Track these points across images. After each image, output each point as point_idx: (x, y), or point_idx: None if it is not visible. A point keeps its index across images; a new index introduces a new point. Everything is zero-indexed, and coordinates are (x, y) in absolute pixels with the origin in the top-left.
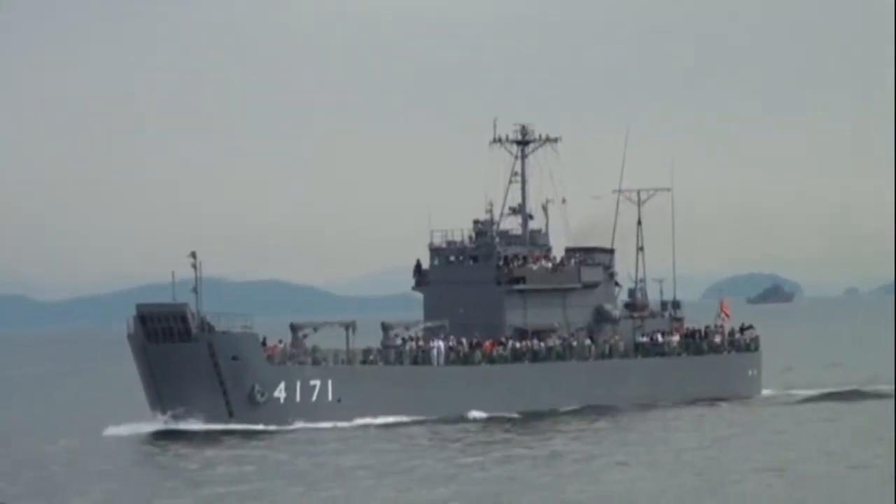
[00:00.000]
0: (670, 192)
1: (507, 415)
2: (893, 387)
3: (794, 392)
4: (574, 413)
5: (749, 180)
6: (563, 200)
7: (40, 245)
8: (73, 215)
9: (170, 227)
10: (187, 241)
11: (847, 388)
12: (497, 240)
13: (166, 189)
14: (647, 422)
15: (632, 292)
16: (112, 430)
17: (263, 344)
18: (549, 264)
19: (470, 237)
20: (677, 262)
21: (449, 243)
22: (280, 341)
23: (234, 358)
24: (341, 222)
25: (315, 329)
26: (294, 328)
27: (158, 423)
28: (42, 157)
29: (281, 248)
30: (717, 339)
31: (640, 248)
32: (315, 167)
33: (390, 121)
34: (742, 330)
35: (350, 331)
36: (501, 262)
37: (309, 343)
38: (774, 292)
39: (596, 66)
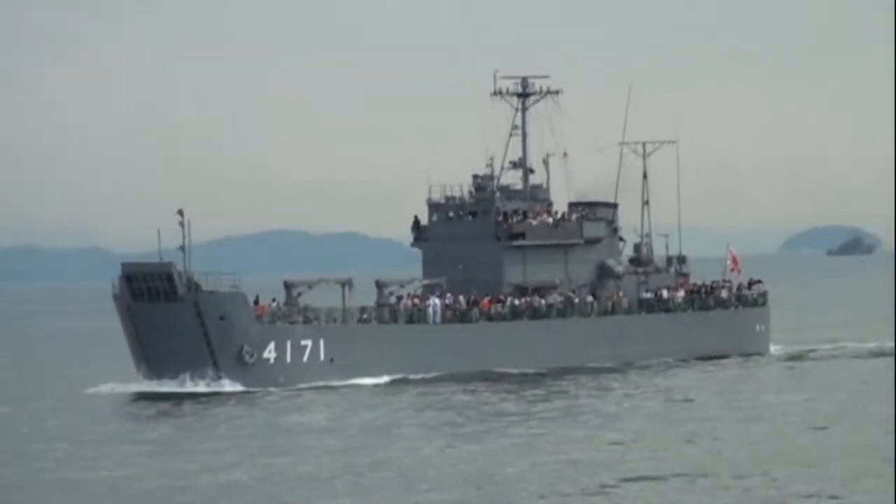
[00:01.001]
0: (676, 144)
1: (507, 372)
2: (894, 345)
3: (802, 348)
4: (577, 370)
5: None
6: (565, 154)
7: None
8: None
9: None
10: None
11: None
12: (497, 195)
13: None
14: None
15: (637, 247)
16: (94, 389)
17: (256, 303)
18: (550, 219)
19: (470, 192)
20: (708, 215)
21: (448, 199)
22: (274, 300)
23: (222, 318)
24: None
25: (310, 287)
26: (288, 286)
27: (143, 384)
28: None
29: (347, 202)
30: (724, 294)
31: (646, 202)
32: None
33: (389, 73)
34: (750, 285)
35: (347, 288)
36: (501, 218)
37: (305, 302)
38: (855, 245)
39: (599, 17)
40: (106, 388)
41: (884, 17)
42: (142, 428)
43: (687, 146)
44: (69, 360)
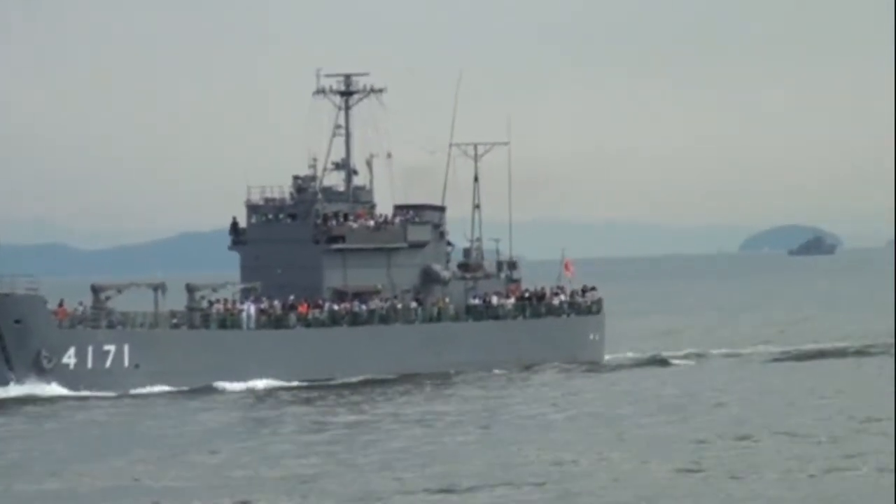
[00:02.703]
0: (508, 146)
1: (323, 382)
2: (894, 343)
3: (632, 356)
4: (397, 380)
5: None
6: (389, 155)
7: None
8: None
9: None
10: None
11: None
12: (319, 196)
13: None
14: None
15: (467, 252)
16: None
17: (61, 306)
18: (373, 222)
19: (291, 194)
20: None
21: (267, 200)
22: (80, 304)
23: (17, 321)
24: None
25: (120, 291)
26: (96, 290)
27: None
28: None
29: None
30: (556, 301)
31: (477, 206)
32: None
33: (203, 70)
34: (584, 291)
35: (159, 293)
36: (320, 220)
37: (115, 307)
38: (816, 245)
39: (425, 15)
40: None
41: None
42: None
43: (518, 147)
44: None
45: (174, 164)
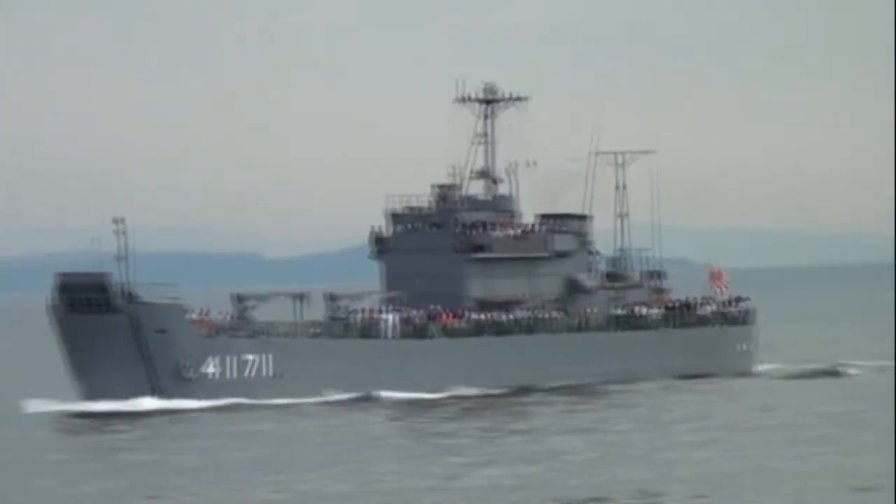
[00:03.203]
0: (654, 154)
1: (465, 393)
2: (894, 361)
3: (792, 368)
4: (541, 390)
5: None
6: (533, 163)
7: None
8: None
9: None
10: None
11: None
12: (461, 205)
13: None
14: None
15: (613, 262)
16: (33, 406)
17: (204, 316)
18: (515, 231)
19: (433, 203)
20: None
21: (409, 209)
22: (220, 312)
23: (159, 331)
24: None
25: (262, 300)
26: (238, 299)
27: (77, 402)
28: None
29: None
30: (705, 311)
31: (623, 215)
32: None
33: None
34: (735, 301)
35: (301, 302)
36: (461, 229)
37: (259, 316)
38: None
39: (568, 23)
40: (39, 404)
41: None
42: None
43: (665, 156)
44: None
45: (312, 175)
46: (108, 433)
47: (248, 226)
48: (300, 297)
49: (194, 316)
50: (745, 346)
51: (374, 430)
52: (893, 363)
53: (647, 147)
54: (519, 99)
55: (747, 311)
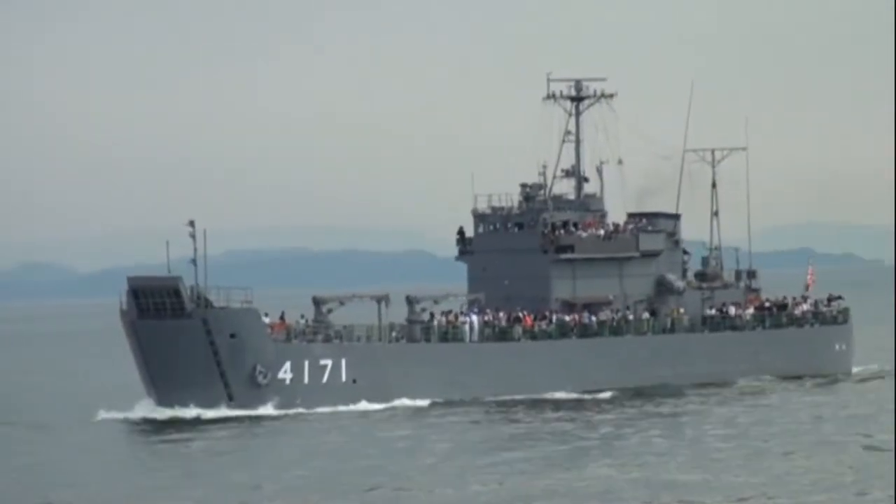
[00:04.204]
0: (746, 151)
1: (550, 396)
2: (894, 365)
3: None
4: (627, 393)
5: None
6: (620, 161)
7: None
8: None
9: None
10: None
11: None
12: (549, 205)
13: None
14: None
15: (705, 261)
16: (104, 415)
17: (282, 319)
18: (602, 231)
19: (518, 203)
20: None
21: (494, 209)
22: (302, 317)
23: (233, 335)
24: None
25: (342, 303)
26: (318, 302)
27: (149, 409)
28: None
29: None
30: (798, 310)
31: (715, 213)
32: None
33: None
34: (829, 301)
35: (383, 305)
36: (548, 230)
37: (336, 319)
38: None
39: (655, 17)
40: (109, 414)
41: None
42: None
43: (757, 153)
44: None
45: (399, 173)
46: (180, 441)
47: (356, 226)
48: (382, 299)
49: (269, 320)
50: (842, 346)
51: (505, 431)
52: (893, 367)
53: (739, 143)
54: (606, 96)
55: (842, 311)
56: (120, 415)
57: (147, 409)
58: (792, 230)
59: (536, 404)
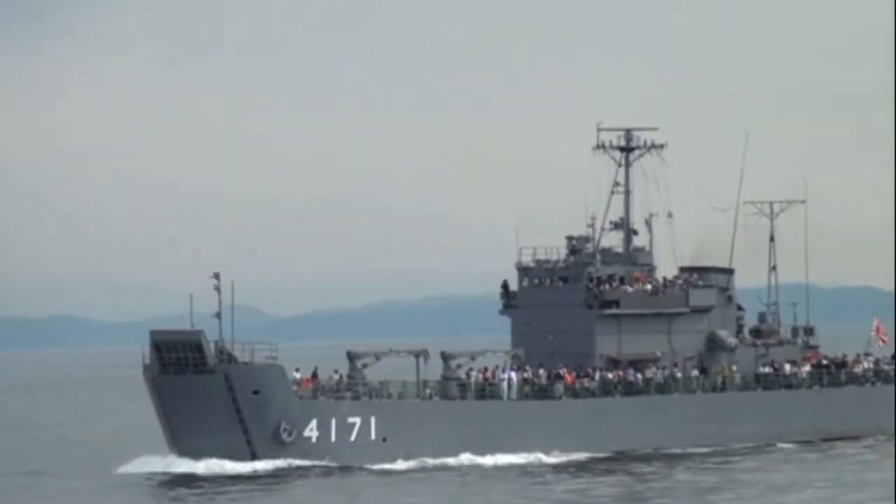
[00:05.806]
0: (804, 204)
1: (591, 456)
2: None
3: None
4: (673, 455)
5: None
6: (670, 214)
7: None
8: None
9: None
10: None
11: None
12: (597, 258)
13: None
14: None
15: (762, 316)
16: (124, 469)
17: (314, 376)
18: (650, 286)
19: (565, 255)
20: None
21: (538, 262)
22: (336, 371)
23: (256, 392)
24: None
25: (378, 358)
26: (352, 357)
27: (171, 465)
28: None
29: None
30: (858, 368)
31: (773, 268)
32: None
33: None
34: (893, 359)
35: (422, 360)
36: (594, 284)
37: (371, 374)
38: None
39: (707, 68)
40: (132, 465)
41: None
42: None
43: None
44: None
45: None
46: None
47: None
48: (420, 353)
49: (300, 375)
50: None
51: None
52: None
53: (797, 196)
54: (656, 146)
55: None
56: (141, 468)
57: (168, 463)
58: (851, 293)
59: (566, 467)
